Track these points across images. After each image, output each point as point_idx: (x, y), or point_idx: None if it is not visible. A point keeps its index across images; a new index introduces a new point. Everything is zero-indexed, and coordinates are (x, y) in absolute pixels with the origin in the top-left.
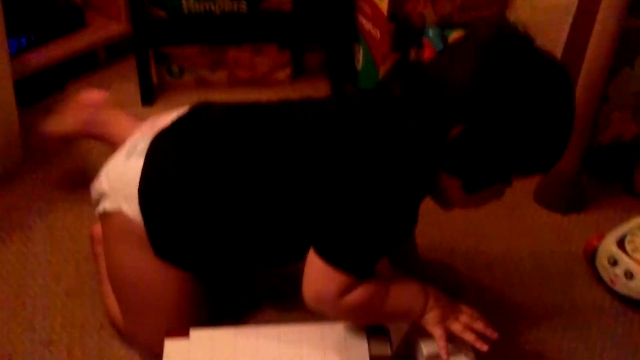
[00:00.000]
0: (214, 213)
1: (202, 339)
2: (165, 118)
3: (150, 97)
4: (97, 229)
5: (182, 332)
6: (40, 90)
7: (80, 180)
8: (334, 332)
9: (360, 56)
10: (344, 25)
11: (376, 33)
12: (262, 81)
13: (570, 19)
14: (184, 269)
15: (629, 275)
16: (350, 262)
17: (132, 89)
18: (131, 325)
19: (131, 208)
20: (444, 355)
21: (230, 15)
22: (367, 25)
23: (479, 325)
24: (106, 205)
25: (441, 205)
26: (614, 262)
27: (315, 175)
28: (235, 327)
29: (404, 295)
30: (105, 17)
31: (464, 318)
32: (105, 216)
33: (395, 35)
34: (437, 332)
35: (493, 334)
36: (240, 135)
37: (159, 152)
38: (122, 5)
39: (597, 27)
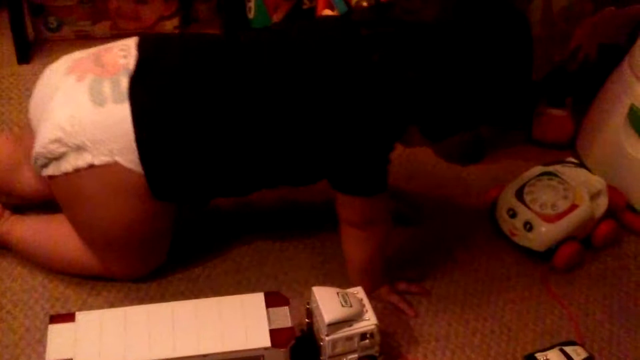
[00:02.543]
0: (217, 148)
1: (89, 320)
2: (105, 54)
3: (26, 54)
4: None
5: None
6: None
7: None
8: (232, 304)
9: (251, 5)
10: None
11: None
12: (148, 32)
13: None
14: (179, 203)
15: (528, 226)
16: (375, 186)
17: (6, 46)
18: (112, 262)
19: (128, 159)
20: (411, 313)
21: None
22: None
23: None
24: (92, 159)
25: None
26: (513, 214)
27: (301, 111)
28: (123, 307)
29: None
30: None
31: (402, 286)
32: (89, 170)
33: None
34: (394, 298)
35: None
36: (223, 66)
37: (146, 97)
38: None
39: None
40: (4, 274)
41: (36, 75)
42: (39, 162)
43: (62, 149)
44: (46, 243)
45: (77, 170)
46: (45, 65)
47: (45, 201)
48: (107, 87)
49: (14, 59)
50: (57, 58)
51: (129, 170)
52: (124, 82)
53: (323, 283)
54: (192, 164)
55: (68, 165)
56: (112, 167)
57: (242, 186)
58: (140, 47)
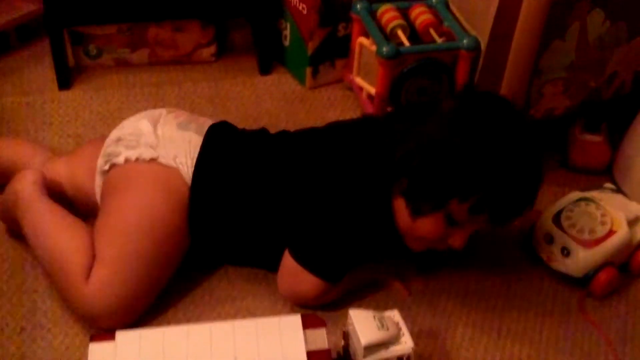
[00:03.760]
0: (243, 199)
1: (128, 340)
2: (199, 117)
3: (67, 80)
4: None
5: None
6: None
7: None
8: (269, 326)
9: (287, 32)
10: (269, 0)
11: (302, 8)
12: (185, 60)
13: None
14: (199, 241)
15: (566, 252)
16: (321, 266)
17: (47, 73)
18: (119, 275)
19: (185, 172)
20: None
21: None
22: (293, 0)
23: None
24: (156, 156)
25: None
26: (550, 239)
27: (304, 191)
28: (163, 327)
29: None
30: None
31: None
32: (150, 163)
33: (322, 10)
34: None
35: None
36: (267, 153)
37: (216, 141)
38: None
39: None
40: (45, 294)
41: (76, 101)
42: (109, 151)
43: (136, 142)
44: (56, 228)
45: (139, 160)
46: (85, 91)
47: None
48: (192, 125)
49: (54, 85)
50: (97, 84)
51: (182, 179)
52: (206, 128)
53: (358, 306)
54: (225, 200)
55: (135, 153)
56: (170, 170)
57: (251, 237)
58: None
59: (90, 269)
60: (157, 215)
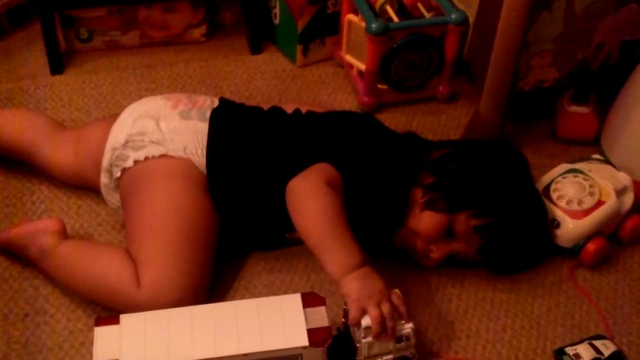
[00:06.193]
0: (261, 175)
1: (134, 322)
2: (197, 96)
3: (59, 65)
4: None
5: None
6: None
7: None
8: (270, 305)
9: (277, 11)
10: None
11: None
12: (176, 40)
13: None
14: (224, 215)
15: (556, 223)
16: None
17: (39, 58)
18: (166, 268)
19: (197, 161)
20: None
21: None
22: None
23: (390, 324)
24: (166, 151)
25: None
26: None
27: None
28: (166, 309)
29: (348, 236)
30: None
31: (379, 311)
32: (161, 158)
33: None
34: (352, 308)
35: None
36: (284, 133)
37: (221, 126)
38: None
39: None
40: (47, 279)
41: (69, 86)
42: (117, 155)
43: (142, 142)
44: (88, 259)
45: (149, 158)
46: (77, 75)
47: None
48: (194, 112)
49: (47, 70)
50: (89, 68)
51: (196, 168)
52: (208, 113)
53: None
54: (241, 176)
55: (143, 153)
56: (183, 161)
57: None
58: (223, 99)
59: (137, 277)
60: (179, 201)
